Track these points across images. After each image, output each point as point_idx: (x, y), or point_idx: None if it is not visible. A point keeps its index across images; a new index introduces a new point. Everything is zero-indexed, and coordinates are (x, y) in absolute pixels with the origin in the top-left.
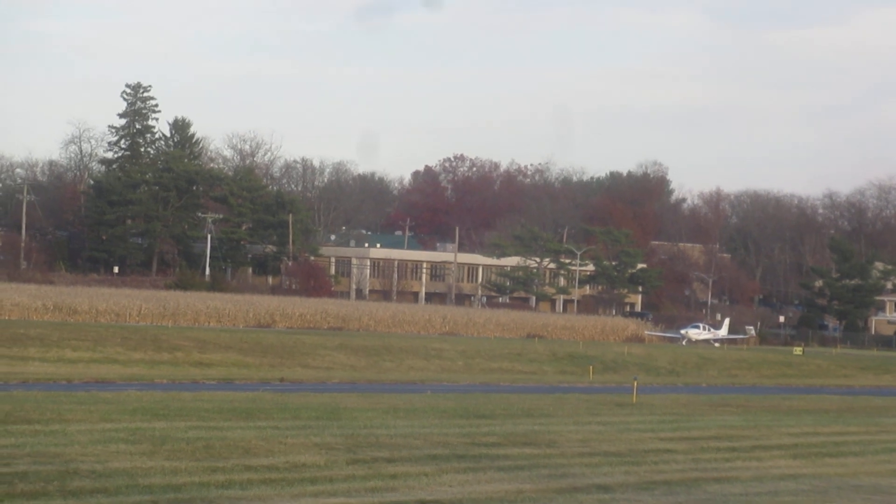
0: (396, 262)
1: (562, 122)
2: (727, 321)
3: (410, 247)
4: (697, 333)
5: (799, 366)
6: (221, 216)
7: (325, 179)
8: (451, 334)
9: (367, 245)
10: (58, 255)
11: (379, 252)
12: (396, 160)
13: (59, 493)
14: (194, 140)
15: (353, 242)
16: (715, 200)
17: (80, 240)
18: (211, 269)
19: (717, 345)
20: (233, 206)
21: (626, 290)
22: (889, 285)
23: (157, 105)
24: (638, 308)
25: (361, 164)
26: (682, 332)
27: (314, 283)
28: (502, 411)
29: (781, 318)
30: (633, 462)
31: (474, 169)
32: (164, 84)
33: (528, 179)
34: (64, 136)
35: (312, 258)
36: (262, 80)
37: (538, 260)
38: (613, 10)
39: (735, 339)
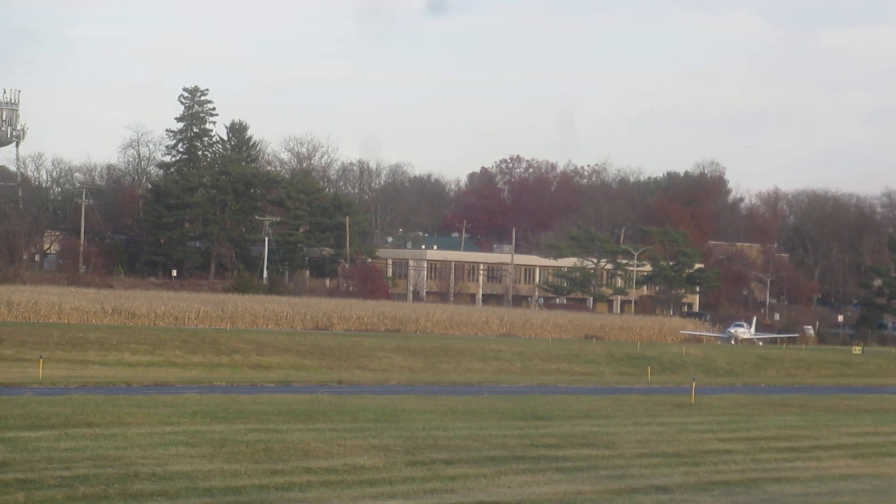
0: (453, 264)
1: (618, 122)
2: (755, 319)
3: (467, 248)
4: (743, 332)
5: (858, 365)
6: (278, 219)
7: (382, 182)
8: (509, 335)
9: (423, 247)
10: (116, 259)
11: (436, 254)
12: (452, 162)
13: (119, 496)
14: (251, 143)
15: (409, 244)
16: (772, 200)
17: (138, 244)
18: (268, 272)
19: (760, 343)
20: (290, 208)
21: (683, 291)
22: None
23: (214, 109)
24: (696, 308)
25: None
26: (731, 330)
27: (371, 285)
28: (560, 412)
29: (840, 318)
30: (692, 463)
31: (531, 170)
32: (220, 88)
33: (585, 180)
34: (122, 141)
35: (369, 260)
36: (318, 84)
37: (595, 261)
38: (670, 11)
39: (781, 338)
